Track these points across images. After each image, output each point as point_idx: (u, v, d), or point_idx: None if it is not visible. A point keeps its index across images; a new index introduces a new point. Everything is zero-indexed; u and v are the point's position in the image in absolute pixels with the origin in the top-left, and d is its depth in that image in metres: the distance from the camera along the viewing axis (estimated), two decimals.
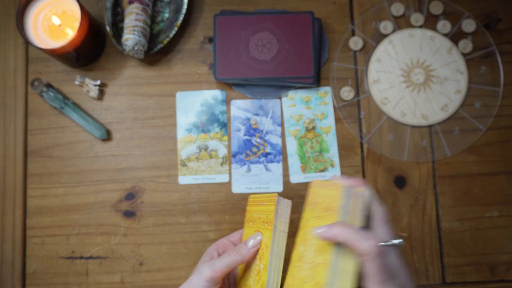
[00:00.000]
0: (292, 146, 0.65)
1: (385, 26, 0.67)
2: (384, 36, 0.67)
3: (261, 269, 0.47)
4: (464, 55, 0.66)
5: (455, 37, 0.66)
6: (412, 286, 0.41)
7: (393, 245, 0.40)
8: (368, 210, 0.42)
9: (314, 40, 0.65)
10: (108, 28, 0.65)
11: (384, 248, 0.39)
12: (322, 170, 0.65)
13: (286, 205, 0.48)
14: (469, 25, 0.66)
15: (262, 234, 0.49)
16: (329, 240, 0.40)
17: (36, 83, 0.65)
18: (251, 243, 0.49)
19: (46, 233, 0.64)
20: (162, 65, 0.67)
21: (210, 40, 0.68)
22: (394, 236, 0.41)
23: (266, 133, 0.66)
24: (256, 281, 0.48)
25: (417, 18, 0.67)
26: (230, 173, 0.65)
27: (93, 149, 0.66)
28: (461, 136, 0.65)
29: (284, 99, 0.66)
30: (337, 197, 0.41)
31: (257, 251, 0.49)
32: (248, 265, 0.51)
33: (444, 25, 0.66)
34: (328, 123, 0.66)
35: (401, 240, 0.40)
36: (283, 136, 0.66)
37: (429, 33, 0.66)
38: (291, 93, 0.66)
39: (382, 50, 0.66)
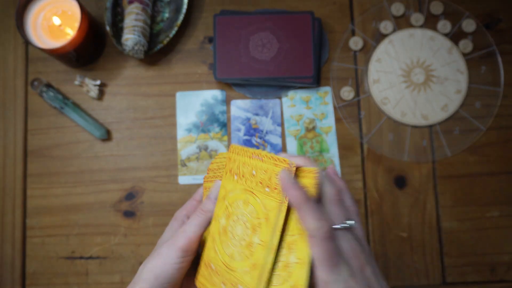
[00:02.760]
0: (292, 146, 0.65)
1: (385, 26, 0.67)
2: (384, 36, 0.67)
3: (254, 242, 0.38)
4: (464, 55, 0.66)
5: (455, 37, 0.66)
6: (372, 271, 0.35)
7: (345, 227, 0.35)
8: (319, 192, 0.37)
9: (314, 40, 0.64)
10: (108, 28, 0.65)
11: (334, 231, 0.34)
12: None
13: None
14: (469, 25, 0.66)
15: (259, 199, 0.39)
16: (281, 192, 0.35)
17: (36, 83, 0.65)
18: (213, 194, 0.42)
19: (46, 233, 0.64)
20: (162, 65, 0.67)
21: (210, 40, 0.68)
22: (347, 217, 0.37)
23: (266, 133, 0.66)
24: (245, 255, 0.39)
25: (417, 18, 0.67)
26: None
27: (93, 149, 0.66)
28: (461, 136, 0.65)
29: (284, 99, 0.66)
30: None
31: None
32: (223, 227, 0.42)
33: (444, 25, 0.66)
34: (328, 123, 0.66)
35: (353, 222, 0.36)
36: (283, 136, 0.66)
37: (429, 33, 0.66)
38: (291, 93, 0.66)
39: (382, 50, 0.66)
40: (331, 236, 0.34)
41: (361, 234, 0.38)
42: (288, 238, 0.37)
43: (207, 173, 0.46)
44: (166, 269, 0.40)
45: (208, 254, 0.43)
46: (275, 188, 0.37)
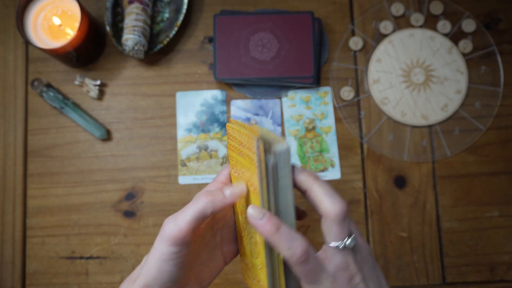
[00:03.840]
0: (292, 146, 0.65)
1: (385, 26, 0.67)
2: (384, 36, 0.67)
3: (258, 242, 0.37)
4: (464, 55, 0.66)
5: (455, 37, 0.66)
6: (361, 278, 0.36)
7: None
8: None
9: (314, 40, 0.64)
10: (108, 28, 0.65)
11: (309, 253, 0.35)
12: (322, 170, 0.65)
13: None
14: (469, 25, 0.66)
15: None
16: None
17: (36, 83, 0.65)
18: (229, 192, 0.37)
19: (46, 233, 0.64)
20: (162, 65, 0.67)
21: (210, 40, 0.68)
22: (346, 235, 0.36)
23: None
24: (256, 252, 0.38)
25: (417, 18, 0.67)
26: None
27: (93, 149, 0.66)
28: (461, 136, 0.65)
29: (284, 99, 0.66)
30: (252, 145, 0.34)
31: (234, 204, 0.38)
32: (242, 223, 0.40)
33: (444, 25, 0.66)
34: (328, 123, 0.66)
35: (348, 242, 0.36)
36: (283, 136, 0.66)
37: (429, 33, 0.66)
38: (291, 93, 0.66)
39: (382, 50, 0.66)
40: (306, 259, 0.34)
41: (357, 234, 0.38)
42: None
43: (228, 139, 0.41)
44: (161, 266, 0.36)
45: (240, 247, 0.42)
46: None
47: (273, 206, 0.35)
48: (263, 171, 0.34)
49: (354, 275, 0.36)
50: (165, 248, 0.35)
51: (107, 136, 0.65)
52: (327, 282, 0.35)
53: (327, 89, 0.66)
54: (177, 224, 0.35)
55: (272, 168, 0.34)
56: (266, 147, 0.35)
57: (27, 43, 0.65)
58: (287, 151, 0.34)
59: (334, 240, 0.36)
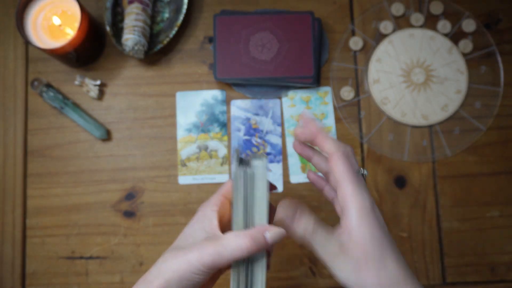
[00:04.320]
0: (292, 147, 0.65)
1: (385, 26, 0.67)
2: (384, 36, 0.67)
3: None
4: (464, 55, 0.66)
5: (455, 37, 0.66)
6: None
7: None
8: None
9: (314, 40, 0.64)
10: (108, 28, 0.65)
11: (350, 153, 0.39)
12: None
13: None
14: (469, 25, 0.66)
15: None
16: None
17: (36, 83, 0.65)
18: (269, 236, 0.37)
19: (46, 233, 0.64)
20: (162, 65, 0.67)
21: (210, 40, 0.68)
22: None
23: (266, 133, 0.66)
24: None
25: (417, 18, 0.67)
26: (230, 173, 0.65)
27: (93, 149, 0.66)
28: (461, 136, 0.65)
29: (284, 99, 0.66)
30: None
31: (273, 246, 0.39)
32: None
33: (444, 25, 0.66)
34: (328, 123, 0.66)
35: (366, 172, 0.41)
36: (283, 136, 0.66)
37: (429, 33, 0.66)
38: (291, 93, 0.66)
39: (382, 50, 0.66)
40: (348, 155, 0.38)
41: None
42: None
43: None
44: (191, 277, 0.36)
45: None
46: None
47: (243, 210, 0.39)
48: (237, 175, 0.38)
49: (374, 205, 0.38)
50: (199, 266, 0.36)
51: (107, 136, 0.65)
52: (362, 178, 0.39)
53: (327, 89, 0.66)
54: (221, 257, 0.36)
55: (249, 177, 0.38)
56: (247, 161, 0.40)
57: (27, 43, 0.65)
58: (264, 166, 0.39)
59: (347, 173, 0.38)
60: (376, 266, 0.35)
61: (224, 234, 0.37)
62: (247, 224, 0.38)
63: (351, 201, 0.36)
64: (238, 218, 0.38)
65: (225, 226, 0.41)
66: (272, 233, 0.37)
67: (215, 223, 0.39)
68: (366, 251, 0.35)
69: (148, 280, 0.38)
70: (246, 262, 0.38)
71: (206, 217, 0.39)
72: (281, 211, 0.39)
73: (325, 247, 0.37)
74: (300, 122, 0.41)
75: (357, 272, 0.35)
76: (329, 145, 0.38)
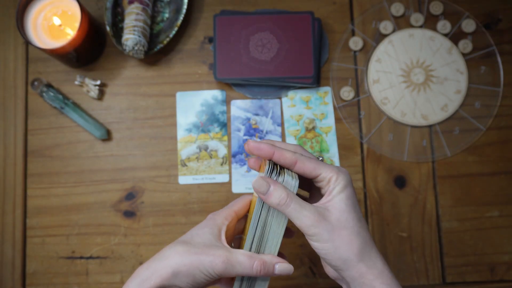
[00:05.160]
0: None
1: (385, 26, 0.67)
2: (384, 36, 0.67)
3: None
4: (464, 55, 0.66)
5: (455, 37, 0.66)
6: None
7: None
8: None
9: (314, 40, 0.65)
10: (108, 28, 0.65)
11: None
12: None
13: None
14: (469, 25, 0.66)
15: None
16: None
17: (36, 83, 0.65)
18: (278, 267, 0.41)
19: (46, 233, 0.64)
20: (162, 65, 0.67)
21: (210, 40, 0.68)
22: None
23: (266, 133, 0.66)
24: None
25: (417, 18, 0.67)
26: (230, 173, 0.65)
27: (93, 149, 0.66)
28: (461, 136, 0.65)
29: (284, 99, 0.66)
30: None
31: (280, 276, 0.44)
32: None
33: (444, 25, 0.66)
34: (328, 123, 0.66)
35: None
36: (283, 136, 0.66)
37: (429, 33, 0.66)
38: (291, 93, 0.66)
39: (382, 50, 0.66)
40: (302, 152, 0.43)
41: None
42: None
43: None
44: (198, 275, 0.40)
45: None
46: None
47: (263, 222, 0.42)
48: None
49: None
50: (211, 271, 0.40)
51: (107, 136, 0.65)
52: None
53: (327, 89, 0.66)
54: (233, 269, 0.40)
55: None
56: (281, 170, 0.42)
57: (27, 43, 0.65)
58: (293, 186, 0.41)
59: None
60: (350, 233, 0.39)
61: (238, 250, 0.41)
62: (259, 243, 0.42)
63: (336, 180, 0.40)
64: (251, 234, 0.42)
65: (229, 239, 0.44)
66: (281, 267, 0.41)
67: (223, 234, 0.42)
68: (343, 220, 0.39)
69: (153, 267, 0.40)
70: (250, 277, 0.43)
71: (216, 226, 0.43)
72: (257, 184, 0.41)
73: (301, 214, 0.39)
74: (252, 150, 0.42)
75: (332, 240, 0.38)
76: (287, 155, 0.40)
